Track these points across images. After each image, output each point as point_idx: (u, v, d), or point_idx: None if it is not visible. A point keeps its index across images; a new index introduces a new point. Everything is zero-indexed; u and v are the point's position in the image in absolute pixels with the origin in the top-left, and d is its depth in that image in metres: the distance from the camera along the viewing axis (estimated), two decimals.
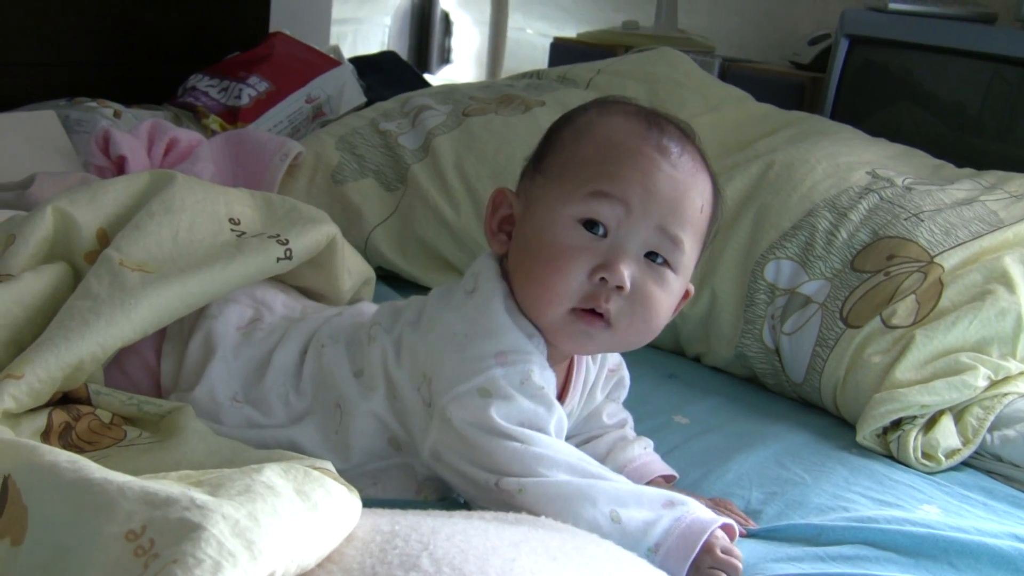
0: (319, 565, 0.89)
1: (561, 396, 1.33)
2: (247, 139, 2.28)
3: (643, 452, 1.40)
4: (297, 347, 1.37)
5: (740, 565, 1.16)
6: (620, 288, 1.22)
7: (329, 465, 1.04)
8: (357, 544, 0.92)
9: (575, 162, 1.25)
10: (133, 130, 2.11)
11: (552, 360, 1.27)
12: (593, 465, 1.20)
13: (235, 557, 0.79)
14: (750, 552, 1.22)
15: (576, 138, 1.27)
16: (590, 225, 1.23)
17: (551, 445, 1.19)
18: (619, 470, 1.35)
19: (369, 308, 1.47)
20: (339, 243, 1.52)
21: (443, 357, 1.23)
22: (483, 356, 1.21)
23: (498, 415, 1.18)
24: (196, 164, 2.08)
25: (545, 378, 1.23)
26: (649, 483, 1.36)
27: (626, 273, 1.21)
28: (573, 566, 0.93)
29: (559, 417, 1.23)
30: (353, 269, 1.59)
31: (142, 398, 1.28)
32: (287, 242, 1.43)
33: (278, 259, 1.42)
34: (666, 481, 1.39)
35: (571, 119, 1.31)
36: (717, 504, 1.34)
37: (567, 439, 1.39)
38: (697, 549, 1.13)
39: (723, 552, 1.16)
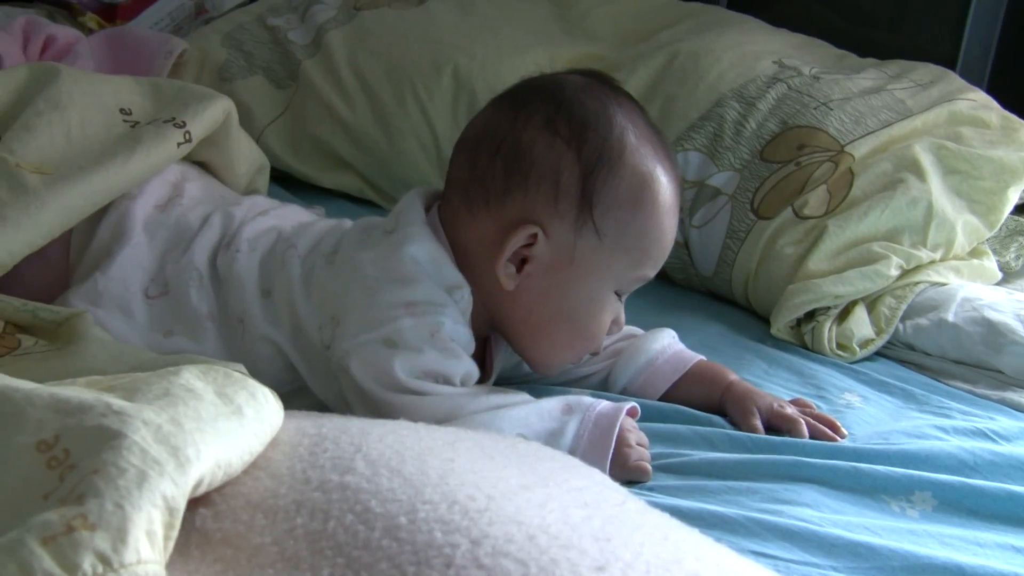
0: (245, 472, 0.83)
1: (485, 366, 1.30)
2: (128, 37, 2.19)
3: (672, 341, 1.40)
4: (215, 238, 1.32)
5: (648, 454, 1.18)
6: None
7: (243, 368, 0.98)
8: (284, 448, 0.86)
9: (632, 235, 1.25)
10: (7, 27, 2.00)
11: (474, 326, 1.24)
12: (496, 397, 1.19)
13: (161, 465, 0.72)
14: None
15: (634, 202, 1.24)
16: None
17: (454, 393, 1.17)
18: (650, 363, 1.36)
19: (291, 213, 1.42)
20: (234, 119, 1.47)
21: (352, 300, 1.21)
22: (392, 305, 1.18)
23: (401, 369, 1.15)
24: (76, 62, 1.98)
25: (457, 332, 1.20)
26: (692, 368, 1.36)
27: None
28: (511, 464, 0.89)
29: (468, 371, 1.21)
30: (248, 153, 1.54)
31: (38, 305, 1.21)
32: (184, 124, 1.38)
33: (178, 144, 1.37)
34: None
35: (620, 159, 1.24)
36: (799, 405, 1.33)
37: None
38: (612, 444, 1.14)
39: (638, 444, 1.17)
